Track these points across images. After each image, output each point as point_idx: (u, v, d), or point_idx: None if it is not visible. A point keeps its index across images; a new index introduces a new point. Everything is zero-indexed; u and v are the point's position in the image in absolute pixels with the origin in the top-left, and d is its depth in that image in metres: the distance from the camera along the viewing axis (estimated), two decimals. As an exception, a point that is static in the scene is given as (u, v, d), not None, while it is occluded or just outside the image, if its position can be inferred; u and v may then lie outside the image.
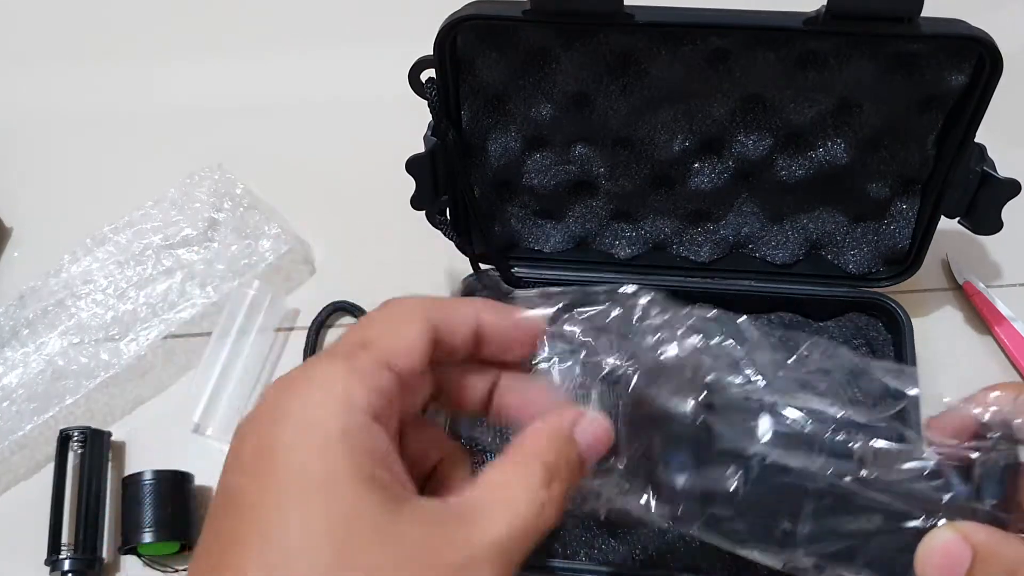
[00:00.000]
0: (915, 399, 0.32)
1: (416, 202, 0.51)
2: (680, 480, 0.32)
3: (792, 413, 0.31)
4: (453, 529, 0.27)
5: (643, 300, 0.34)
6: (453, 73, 0.48)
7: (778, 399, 0.32)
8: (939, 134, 0.49)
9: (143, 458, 0.54)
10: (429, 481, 0.33)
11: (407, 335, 0.30)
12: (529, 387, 0.34)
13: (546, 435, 0.31)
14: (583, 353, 0.33)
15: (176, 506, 0.50)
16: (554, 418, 0.32)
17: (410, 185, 0.50)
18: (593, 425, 0.32)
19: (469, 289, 0.55)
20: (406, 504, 0.27)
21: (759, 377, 0.32)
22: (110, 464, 0.53)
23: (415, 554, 0.26)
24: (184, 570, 0.50)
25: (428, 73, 0.48)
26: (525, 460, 0.30)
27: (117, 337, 0.57)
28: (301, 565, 0.25)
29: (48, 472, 0.52)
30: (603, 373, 0.33)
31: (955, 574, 0.28)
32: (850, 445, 0.31)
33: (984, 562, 0.28)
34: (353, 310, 0.57)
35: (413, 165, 0.50)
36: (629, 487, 0.33)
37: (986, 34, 0.43)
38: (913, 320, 0.53)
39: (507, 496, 0.29)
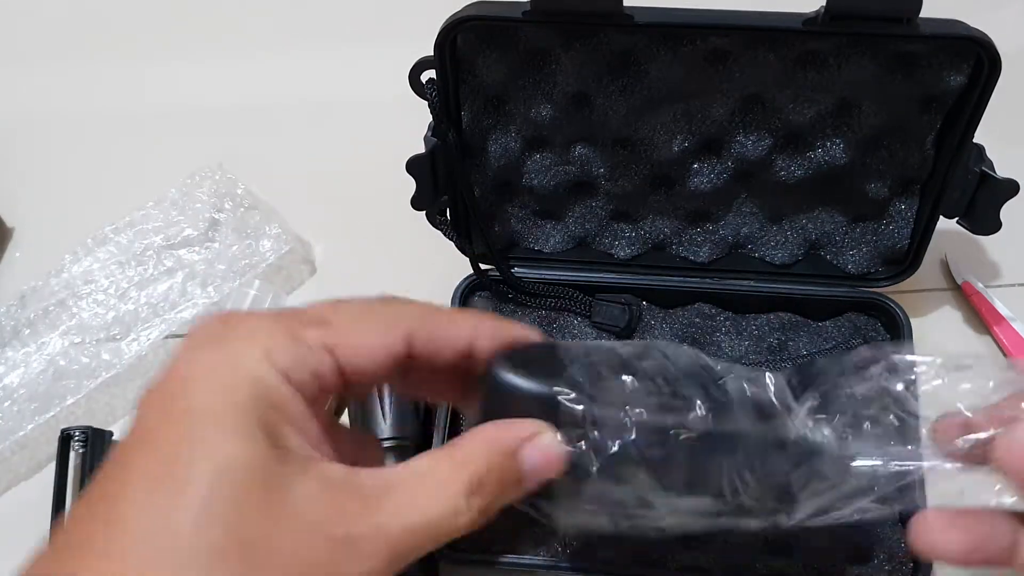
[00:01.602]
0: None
1: (416, 202, 0.51)
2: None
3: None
4: (352, 502, 0.26)
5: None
6: (453, 73, 0.48)
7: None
8: (938, 134, 0.49)
9: (144, 458, 0.54)
10: None
11: (370, 342, 0.29)
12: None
13: (487, 443, 0.29)
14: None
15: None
16: (504, 429, 0.30)
17: (410, 185, 0.51)
18: (545, 448, 0.30)
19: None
20: (309, 465, 0.26)
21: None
22: (111, 464, 0.53)
23: (302, 517, 0.25)
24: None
25: (428, 74, 0.48)
26: (456, 461, 0.29)
27: (118, 337, 0.57)
28: (184, 505, 0.24)
29: (49, 472, 0.52)
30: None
31: None
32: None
33: None
34: (353, 310, 0.58)
35: (413, 165, 0.50)
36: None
37: (984, 35, 0.43)
38: (912, 320, 0.53)
39: (422, 491, 0.28)
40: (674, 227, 0.55)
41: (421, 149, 0.50)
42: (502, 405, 0.31)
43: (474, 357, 0.32)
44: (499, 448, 0.29)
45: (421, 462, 0.29)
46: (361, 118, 0.68)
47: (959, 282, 0.58)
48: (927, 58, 0.46)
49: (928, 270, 0.57)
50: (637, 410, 0.31)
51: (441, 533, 0.27)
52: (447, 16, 0.46)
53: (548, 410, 0.30)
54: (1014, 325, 0.55)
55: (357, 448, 0.32)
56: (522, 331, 0.33)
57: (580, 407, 0.30)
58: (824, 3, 0.42)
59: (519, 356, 0.32)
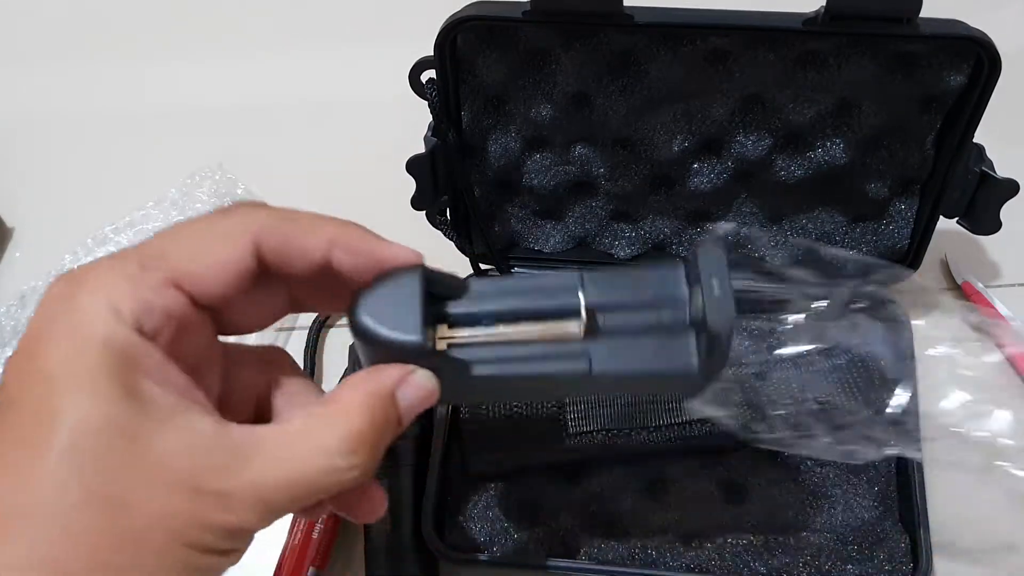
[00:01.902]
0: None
1: (416, 202, 0.52)
2: None
3: None
4: (220, 456, 0.26)
5: None
6: (453, 74, 0.48)
7: None
8: (938, 134, 0.49)
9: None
10: (261, 411, 0.32)
11: (213, 260, 0.28)
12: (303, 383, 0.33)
13: (364, 393, 0.29)
14: None
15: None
16: (380, 375, 0.30)
17: (410, 185, 0.51)
18: (419, 385, 0.30)
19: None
20: (173, 417, 0.26)
21: None
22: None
23: (166, 469, 0.25)
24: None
25: (428, 73, 0.48)
26: (334, 417, 0.28)
27: (118, 337, 0.57)
28: (42, 466, 0.24)
29: (49, 472, 0.52)
30: None
31: None
32: None
33: None
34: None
35: (413, 165, 0.50)
36: None
37: (984, 35, 0.43)
38: (912, 320, 0.53)
39: (296, 450, 0.27)
40: (674, 227, 0.55)
41: (421, 149, 0.50)
42: (370, 348, 0.30)
43: (336, 270, 0.30)
44: (378, 394, 0.29)
45: (295, 422, 0.28)
46: (361, 118, 0.68)
47: (959, 282, 0.58)
48: (927, 58, 0.46)
49: (928, 270, 0.57)
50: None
51: (321, 491, 0.27)
52: (447, 16, 0.46)
53: (416, 350, 0.30)
54: (1014, 325, 0.55)
55: (263, 365, 0.32)
56: (388, 250, 0.31)
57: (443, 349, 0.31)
58: (824, 3, 0.42)
59: (382, 295, 0.30)
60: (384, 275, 0.30)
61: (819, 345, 0.41)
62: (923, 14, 0.42)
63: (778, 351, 0.41)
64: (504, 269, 0.55)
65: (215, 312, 0.29)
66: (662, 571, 0.47)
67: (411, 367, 0.30)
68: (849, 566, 0.46)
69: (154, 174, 0.64)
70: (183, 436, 0.26)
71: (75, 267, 0.28)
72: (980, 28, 0.43)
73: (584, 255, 0.57)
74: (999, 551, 0.47)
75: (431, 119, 0.50)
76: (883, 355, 0.43)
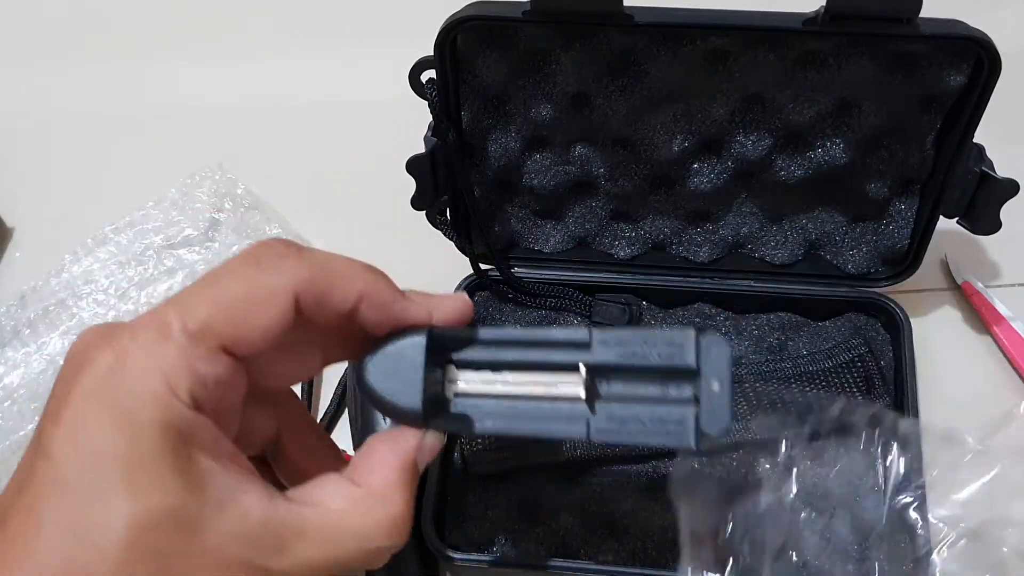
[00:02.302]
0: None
1: (416, 202, 0.51)
2: None
3: None
4: (271, 540, 0.27)
5: None
6: (453, 73, 0.48)
7: None
8: (938, 134, 0.49)
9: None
10: (274, 447, 0.33)
11: (262, 322, 0.27)
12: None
13: (397, 470, 0.30)
14: None
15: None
16: (401, 444, 0.31)
17: (410, 185, 0.51)
18: (431, 447, 0.32)
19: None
20: (225, 506, 0.26)
21: None
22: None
23: (221, 557, 0.25)
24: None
25: (428, 73, 0.48)
26: (373, 502, 0.29)
27: (118, 337, 0.57)
28: (100, 559, 0.24)
29: (49, 472, 0.52)
30: None
31: None
32: None
33: None
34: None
35: (413, 165, 0.50)
36: None
37: (984, 35, 0.43)
38: (912, 320, 0.53)
39: (344, 532, 0.28)
40: (674, 227, 0.55)
41: (421, 149, 0.50)
42: (380, 406, 0.32)
43: (358, 321, 0.30)
44: (408, 475, 0.30)
45: (334, 503, 0.29)
46: (361, 118, 0.68)
47: (959, 282, 0.58)
48: (927, 58, 0.46)
49: (928, 270, 0.57)
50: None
51: (363, 565, 0.29)
52: (447, 16, 0.46)
53: (416, 418, 0.31)
54: (1014, 325, 0.55)
55: (272, 408, 0.33)
56: (404, 312, 0.31)
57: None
58: (824, 3, 0.42)
59: (388, 357, 0.31)
60: (394, 335, 0.31)
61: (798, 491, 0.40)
62: (923, 14, 0.42)
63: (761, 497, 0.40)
64: (504, 269, 0.55)
65: (250, 366, 0.29)
66: (662, 571, 0.47)
67: (422, 432, 0.32)
68: (849, 566, 0.46)
69: (154, 174, 0.64)
70: (239, 523, 0.26)
71: (108, 323, 0.27)
72: (980, 28, 0.43)
73: (584, 255, 0.57)
74: None
75: (431, 119, 0.50)
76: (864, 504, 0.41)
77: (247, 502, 0.27)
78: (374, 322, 0.30)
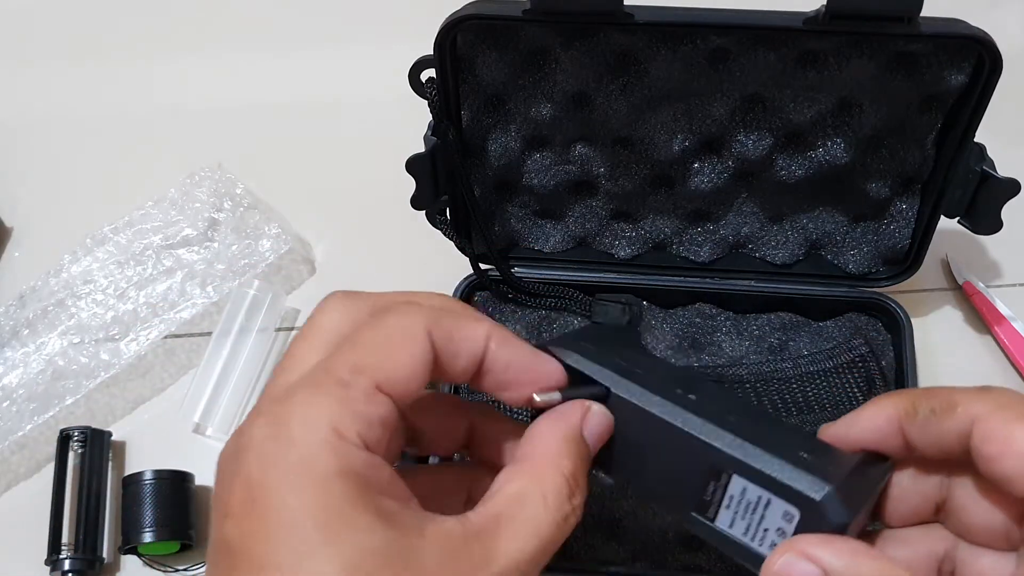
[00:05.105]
0: None
1: (416, 202, 0.51)
2: None
3: None
4: (472, 550, 0.26)
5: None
6: (453, 73, 0.48)
7: None
8: (939, 134, 0.49)
9: (143, 458, 0.54)
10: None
11: (406, 360, 0.28)
12: (510, 431, 0.33)
13: (561, 440, 0.30)
14: None
15: (176, 506, 0.50)
16: (564, 418, 0.31)
17: (410, 185, 0.50)
18: (598, 417, 0.31)
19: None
20: (422, 531, 0.26)
21: None
22: (110, 464, 0.53)
23: None
24: (184, 569, 0.50)
25: (428, 73, 0.48)
26: (542, 471, 0.29)
27: (117, 337, 0.57)
28: None
29: (48, 472, 0.52)
30: None
31: None
32: None
33: None
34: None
35: (413, 165, 0.50)
36: None
37: (986, 34, 0.43)
38: (913, 320, 0.53)
39: (527, 513, 0.28)
40: (674, 227, 0.55)
41: (421, 149, 0.50)
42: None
43: (486, 369, 0.30)
44: (574, 438, 0.30)
45: (512, 484, 0.29)
46: (361, 118, 0.68)
47: (960, 282, 0.58)
48: (928, 57, 0.45)
49: (929, 270, 0.57)
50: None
51: (559, 541, 0.28)
52: (447, 16, 0.46)
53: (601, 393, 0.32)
54: (1015, 325, 0.55)
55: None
56: (531, 346, 0.31)
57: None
58: (824, 2, 0.42)
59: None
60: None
61: None
62: (924, 14, 0.42)
63: None
64: (504, 269, 0.55)
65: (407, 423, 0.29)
66: (662, 571, 0.47)
67: (587, 403, 0.31)
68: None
69: (153, 174, 0.64)
70: (442, 545, 0.26)
71: (270, 407, 0.27)
72: (981, 27, 0.43)
73: (584, 255, 0.57)
74: None
75: (431, 119, 0.50)
76: None
77: (444, 523, 0.26)
78: (504, 362, 0.30)
